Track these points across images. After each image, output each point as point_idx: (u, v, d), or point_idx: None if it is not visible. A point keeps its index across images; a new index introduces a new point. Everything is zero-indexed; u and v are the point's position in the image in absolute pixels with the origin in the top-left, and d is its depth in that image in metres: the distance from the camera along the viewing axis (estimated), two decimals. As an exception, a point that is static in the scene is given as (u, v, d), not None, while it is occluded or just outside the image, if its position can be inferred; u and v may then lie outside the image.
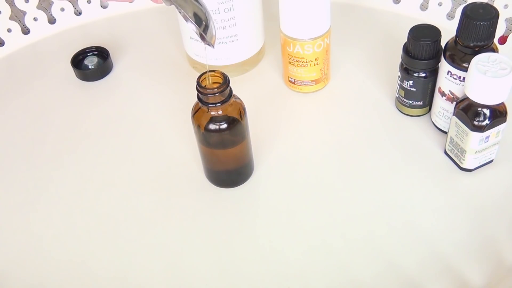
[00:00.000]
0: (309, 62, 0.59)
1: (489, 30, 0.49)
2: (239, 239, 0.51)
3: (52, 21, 0.74)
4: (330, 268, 0.48)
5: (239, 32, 0.61)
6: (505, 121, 0.50)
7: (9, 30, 0.72)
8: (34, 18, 0.73)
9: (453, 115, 0.52)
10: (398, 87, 0.58)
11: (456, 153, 0.53)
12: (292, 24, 0.57)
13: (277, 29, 0.60)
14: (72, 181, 0.57)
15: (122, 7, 0.76)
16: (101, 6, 0.75)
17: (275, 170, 0.56)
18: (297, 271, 0.48)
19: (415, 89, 0.56)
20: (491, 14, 0.49)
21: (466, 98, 0.50)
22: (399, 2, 0.71)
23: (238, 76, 0.65)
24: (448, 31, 0.57)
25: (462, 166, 0.53)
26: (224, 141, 0.51)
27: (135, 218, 0.53)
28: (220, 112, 0.49)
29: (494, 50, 0.51)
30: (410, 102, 0.58)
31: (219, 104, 0.48)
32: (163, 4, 0.46)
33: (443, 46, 0.53)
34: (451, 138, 0.53)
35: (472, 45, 0.50)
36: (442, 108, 0.55)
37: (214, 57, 0.63)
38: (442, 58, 0.53)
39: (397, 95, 0.59)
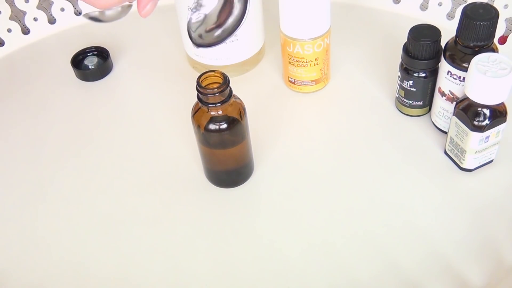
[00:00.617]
0: (309, 62, 0.59)
1: (489, 30, 0.49)
2: (239, 239, 0.51)
3: (52, 21, 0.74)
4: (330, 268, 0.48)
5: (239, 32, 0.61)
6: (505, 121, 0.50)
7: (9, 30, 0.72)
8: (34, 18, 0.73)
9: (453, 115, 0.52)
10: (398, 87, 0.58)
11: (456, 153, 0.53)
12: (292, 24, 0.58)
13: (277, 29, 0.60)
14: (72, 181, 0.57)
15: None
16: (101, 6, 0.75)
17: (275, 170, 0.56)
18: (297, 270, 0.48)
19: (415, 89, 0.56)
20: (491, 14, 0.49)
21: (466, 98, 0.50)
22: (399, 2, 0.71)
23: (238, 76, 0.65)
24: (448, 31, 0.57)
25: (462, 166, 0.53)
26: (224, 141, 0.51)
27: (135, 218, 0.53)
28: (220, 112, 0.49)
29: (494, 50, 0.51)
30: (410, 102, 0.58)
31: (219, 104, 0.48)
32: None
33: (443, 46, 0.53)
34: (451, 138, 0.53)
35: (472, 45, 0.50)
36: (442, 108, 0.55)
37: (214, 57, 0.63)
38: (442, 58, 0.53)
39: (397, 95, 0.59)
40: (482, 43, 0.50)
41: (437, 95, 0.56)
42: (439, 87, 0.55)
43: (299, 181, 0.55)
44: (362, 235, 0.50)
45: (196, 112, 0.50)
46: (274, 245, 0.50)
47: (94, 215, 0.54)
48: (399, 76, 0.57)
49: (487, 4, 0.50)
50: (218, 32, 0.47)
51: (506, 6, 0.64)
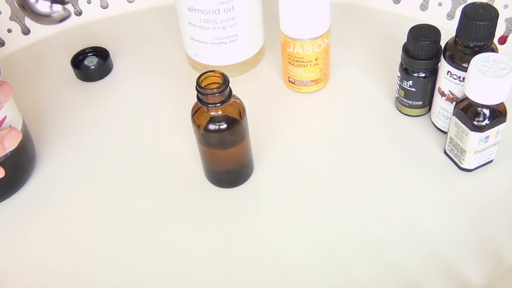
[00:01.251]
0: (309, 62, 0.59)
1: (489, 30, 0.49)
2: (239, 239, 0.51)
3: (52, 21, 0.74)
4: (330, 268, 0.48)
5: (239, 32, 0.61)
6: (504, 121, 0.50)
7: (9, 30, 0.72)
8: (34, 18, 0.73)
9: (453, 115, 0.52)
10: (398, 87, 0.58)
11: (456, 153, 0.53)
12: (292, 24, 0.58)
13: (277, 29, 0.60)
14: (71, 181, 0.57)
15: (122, 7, 0.76)
16: (101, 6, 0.75)
17: (275, 170, 0.56)
18: (297, 271, 0.48)
19: (414, 89, 0.56)
20: (491, 14, 0.49)
21: (465, 98, 0.50)
22: (399, 2, 0.71)
23: (238, 76, 0.65)
24: (448, 31, 0.57)
25: (462, 166, 0.53)
26: (224, 141, 0.51)
27: (134, 218, 0.53)
28: (219, 112, 0.49)
29: (494, 50, 0.51)
30: (410, 102, 0.58)
31: (219, 104, 0.48)
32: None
33: (442, 46, 0.53)
34: (451, 138, 0.53)
35: (472, 45, 0.50)
36: (442, 108, 0.55)
37: (214, 57, 0.63)
38: (442, 58, 0.53)
39: (397, 95, 0.59)
40: (482, 43, 0.50)
41: (437, 95, 0.56)
42: (439, 87, 0.55)
43: (299, 181, 0.55)
44: (361, 235, 0.50)
45: (196, 112, 0.50)
46: (274, 245, 0.50)
47: (94, 215, 0.54)
48: (399, 76, 0.57)
49: (487, 4, 0.50)
50: None
51: (506, 6, 0.64)
